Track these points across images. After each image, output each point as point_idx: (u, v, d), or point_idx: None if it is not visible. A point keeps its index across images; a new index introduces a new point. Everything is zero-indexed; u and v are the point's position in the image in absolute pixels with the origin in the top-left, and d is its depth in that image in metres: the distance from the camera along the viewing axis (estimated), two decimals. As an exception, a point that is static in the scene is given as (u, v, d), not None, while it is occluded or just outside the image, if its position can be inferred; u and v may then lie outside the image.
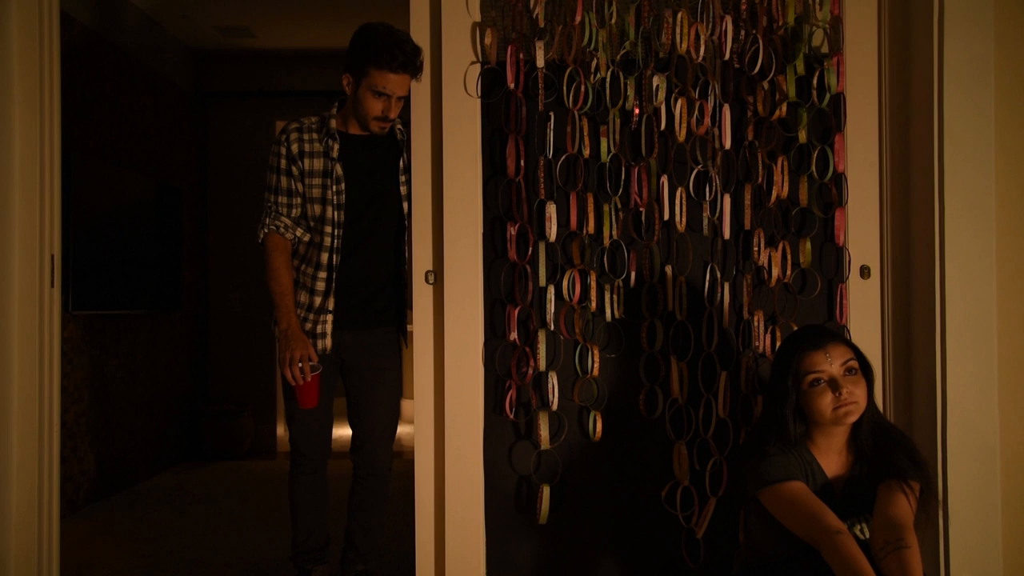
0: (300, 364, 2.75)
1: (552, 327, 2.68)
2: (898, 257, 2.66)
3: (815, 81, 2.65)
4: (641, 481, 2.69)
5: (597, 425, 2.67)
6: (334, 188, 2.76)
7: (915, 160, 2.62)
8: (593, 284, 2.65)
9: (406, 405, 8.00)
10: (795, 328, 2.63)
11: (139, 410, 5.51)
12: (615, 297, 2.66)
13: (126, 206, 5.31)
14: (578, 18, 2.64)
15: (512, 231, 2.66)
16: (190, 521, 4.52)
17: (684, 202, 2.67)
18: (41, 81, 2.79)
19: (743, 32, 2.66)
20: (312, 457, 2.94)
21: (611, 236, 2.66)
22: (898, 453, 2.14)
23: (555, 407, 2.67)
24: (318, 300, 2.81)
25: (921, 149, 2.59)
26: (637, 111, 2.67)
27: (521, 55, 2.67)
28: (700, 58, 2.64)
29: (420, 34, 2.75)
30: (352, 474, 2.99)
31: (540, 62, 2.65)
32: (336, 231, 2.78)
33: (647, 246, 2.67)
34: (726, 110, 2.64)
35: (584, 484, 2.71)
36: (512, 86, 2.66)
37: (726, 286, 2.66)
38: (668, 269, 2.67)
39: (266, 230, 2.80)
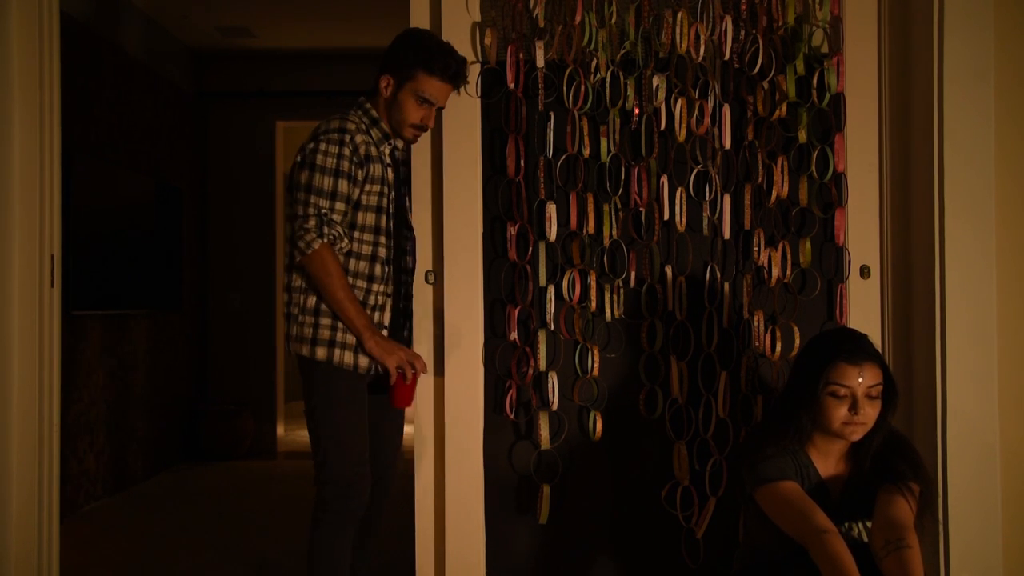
0: (416, 359, 2.44)
1: (552, 327, 2.68)
2: (898, 257, 2.66)
3: (815, 81, 2.65)
4: (641, 481, 2.69)
5: (597, 425, 2.67)
6: (389, 196, 2.51)
7: (915, 160, 2.62)
8: (593, 284, 2.65)
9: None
10: (795, 327, 2.63)
11: (139, 410, 5.51)
12: (615, 297, 2.66)
13: (126, 206, 5.31)
14: (578, 18, 2.64)
15: (512, 231, 2.66)
16: (190, 521, 4.52)
17: (684, 202, 2.67)
18: (41, 81, 2.79)
19: (743, 32, 2.66)
20: (359, 496, 2.43)
21: (611, 236, 2.66)
22: (898, 459, 2.14)
23: (555, 407, 2.67)
24: (375, 316, 2.47)
25: (921, 149, 2.59)
26: (637, 111, 2.67)
27: (521, 55, 2.67)
28: (700, 58, 2.64)
29: (420, 34, 2.75)
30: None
31: (540, 62, 2.65)
32: (389, 242, 2.51)
33: (647, 246, 2.67)
34: (726, 110, 2.64)
35: (584, 484, 2.71)
36: (512, 86, 2.66)
37: (726, 286, 2.66)
38: (668, 269, 2.67)
39: (323, 240, 2.37)
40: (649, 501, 2.67)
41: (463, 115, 2.70)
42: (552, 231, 2.66)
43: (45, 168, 2.81)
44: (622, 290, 2.67)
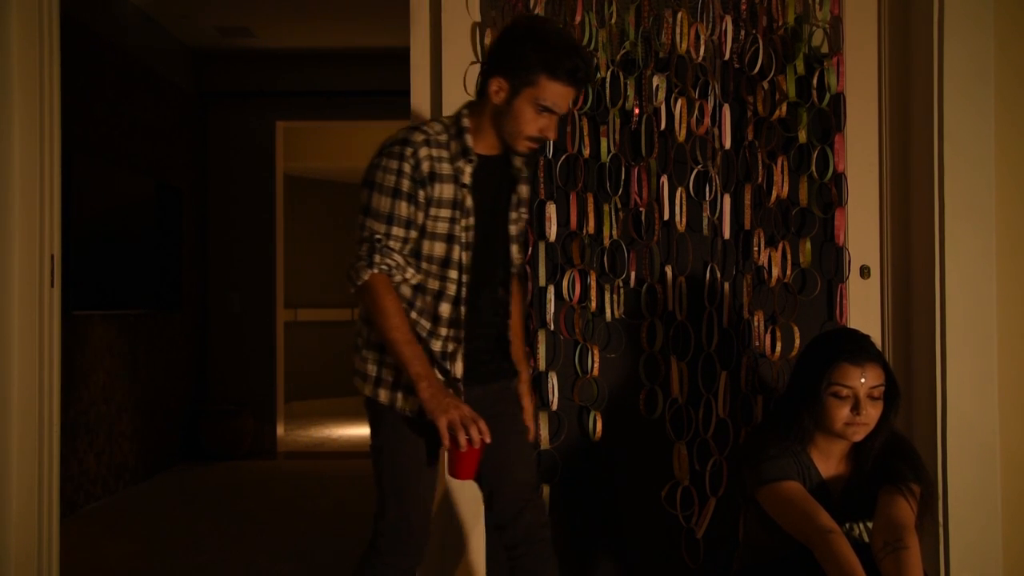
0: (473, 424, 2.02)
1: (552, 327, 2.68)
2: (898, 257, 2.66)
3: (815, 81, 2.65)
4: (641, 481, 2.69)
5: (597, 425, 2.67)
6: (463, 223, 2.12)
7: (915, 160, 2.62)
8: (593, 284, 2.65)
9: (406, 405, 8.00)
10: (795, 327, 2.63)
11: (139, 410, 5.51)
12: (615, 297, 2.66)
13: (126, 206, 5.31)
14: (578, 18, 2.64)
15: (512, 231, 2.65)
16: (190, 521, 4.52)
17: (684, 202, 2.67)
18: (41, 81, 2.79)
19: (743, 32, 2.66)
20: (416, 552, 2.19)
21: (611, 236, 2.66)
22: (899, 460, 2.14)
23: (555, 407, 2.67)
24: (446, 366, 2.16)
25: (921, 149, 2.59)
26: (637, 111, 2.67)
27: (521, 55, 2.67)
28: (700, 58, 2.64)
29: (420, 34, 2.75)
30: (508, 551, 2.24)
31: (540, 62, 2.64)
32: (463, 277, 2.13)
33: (647, 246, 2.67)
34: (726, 110, 2.64)
35: (584, 484, 2.71)
36: (512, 86, 2.66)
37: (726, 286, 2.66)
38: (668, 269, 2.67)
39: (374, 270, 2.06)
40: (649, 501, 2.67)
41: (463, 115, 2.69)
42: (552, 231, 2.66)
43: (45, 168, 2.81)
44: (622, 290, 2.67)
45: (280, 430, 6.73)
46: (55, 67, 2.84)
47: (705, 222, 2.67)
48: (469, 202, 2.12)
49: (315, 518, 4.54)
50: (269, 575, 3.60)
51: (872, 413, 2.10)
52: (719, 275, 2.67)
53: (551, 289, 2.67)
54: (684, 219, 2.66)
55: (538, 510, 2.25)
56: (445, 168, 2.10)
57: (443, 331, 2.14)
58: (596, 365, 2.65)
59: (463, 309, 2.14)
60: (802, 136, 2.66)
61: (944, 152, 2.51)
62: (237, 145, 6.62)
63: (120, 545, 4.08)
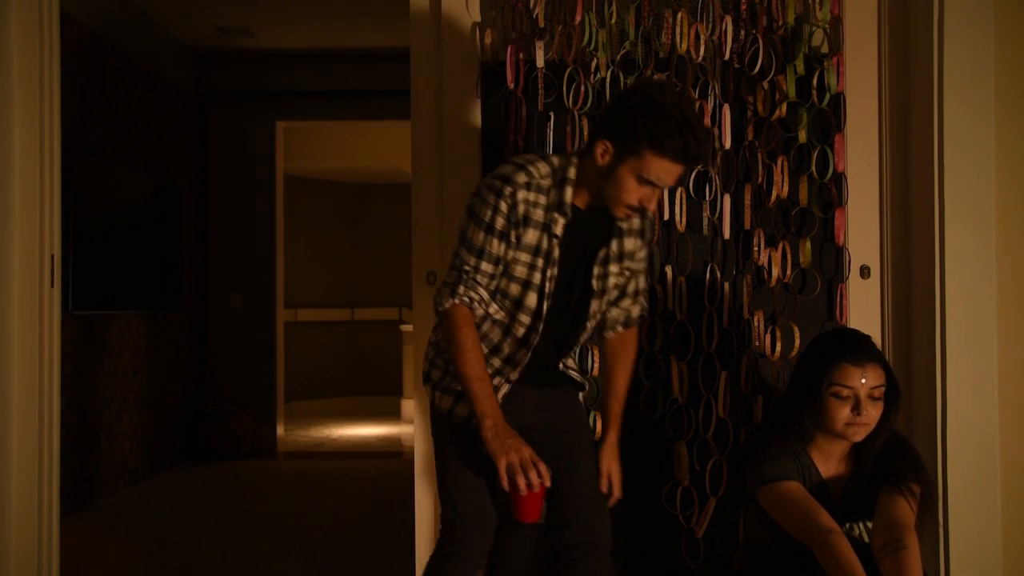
0: (534, 467, 1.99)
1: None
2: (898, 257, 2.67)
3: (815, 81, 2.65)
4: (641, 481, 2.69)
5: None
6: (547, 273, 2.10)
7: (915, 160, 2.62)
8: (593, 284, 2.65)
9: (406, 405, 8.02)
10: (795, 327, 2.63)
11: (139, 410, 5.51)
12: (615, 297, 2.66)
13: (126, 206, 5.31)
14: (578, 18, 2.64)
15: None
16: (190, 521, 4.52)
17: (684, 202, 2.67)
18: (41, 81, 2.79)
19: (743, 32, 2.66)
20: (472, 543, 2.20)
21: (611, 236, 2.66)
22: (899, 460, 2.14)
23: None
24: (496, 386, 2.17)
25: (921, 149, 2.59)
26: (637, 111, 2.66)
27: (521, 55, 2.67)
28: (700, 58, 2.64)
29: (420, 34, 2.75)
30: (565, 551, 2.16)
31: (540, 62, 2.65)
32: (536, 323, 2.13)
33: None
34: (726, 110, 2.64)
35: (584, 484, 2.71)
36: (512, 86, 2.66)
37: (726, 286, 2.66)
38: (668, 269, 2.67)
39: (456, 300, 2.07)
40: (649, 501, 2.67)
41: (463, 115, 2.69)
42: (552, 231, 2.65)
43: (45, 168, 2.81)
44: (622, 290, 2.67)
45: (280, 430, 6.73)
46: (55, 67, 2.84)
47: (705, 222, 2.67)
48: (556, 253, 2.11)
49: (315, 518, 4.54)
50: (269, 575, 3.60)
51: (872, 413, 2.10)
52: (719, 275, 2.67)
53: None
54: (684, 219, 2.66)
55: (593, 516, 2.16)
56: (539, 215, 2.08)
57: (496, 362, 2.15)
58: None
59: (524, 352, 2.14)
60: (802, 136, 2.66)
61: (944, 152, 2.51)
62: (237, 145, 6.63)
63: (120, 545, 4.08)
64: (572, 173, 2.09)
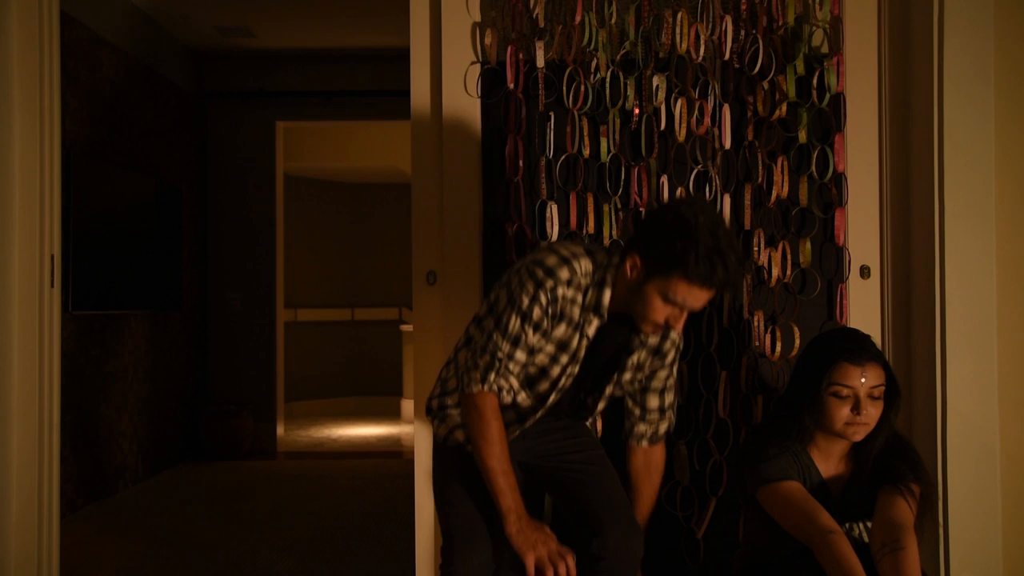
0: (561, 560, 2.00)
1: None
2: (898, 257, 2.66)
3: (815, 81, 2.65)
4: (641, 481, 2.69)
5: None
6: (567, 370, 2.12)
7: (915, 160, 2.62)
8: (593, 284, 2.65)
9: (406, 405, 8.02)
10: (795, 327, 2.63)
11: (139, 410, 5.51)
12: (615, 297, 2.66)
13: (126, 206, 5.31)
14: (578, 18, 2.64)
15: (510, 231, 2.66)
16: (190, 521, 4.52)
17: (684, 202, 2.66)
18: (41, 81, 2.79)
19: (743, 32, 2.66)
20: (464, 560, 2.17)
21: (611, 236, 2.66)
22: (899, 460, 2.14)
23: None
24: None
25: (921, 149, 2.59)
26: (637, 111, 2.67)
27: (521, 55, 2.67)
28: (700, 58, 2.64)
29: (420, 34, 2.75)
30: (592, 562, 2.09)
31: (540, 62, 2.65)
32: (540, 409, 2.16)
33: (647, 246, 2.67)
34: (726, 110, 2.64)
35: (584, 484, 2.71)
36: (512, 86, 2.66)
37: (726, 286, 2.66)
38: (668, 269, 2.66)
39: (486, 388, 2.05)
40: (649, 501, 2.67)
41: (463, 115, 2.70)
42: (553, 231, 2.65)
43: (45, 168, 2.81)
44: (622, 290, 2.67)
45: (280, 430, 6.73)
46: (55, 67, 2.84)
47: (705, 222, 2.67)
48: (582, 353, 2.11)
49: (315, 518, 4.54)
50: (269, 575, 3.60)
51: (872, 413, 2.10)
52: (719, 275, 2.66)
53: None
54: (684, 219, 2.66)
55: (623, 527, 2.12)
56: (574, 312, 2.07)
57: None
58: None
59: (517, 428, 2.16)
60: (802, 136, 2.66)
61: (944, 152, 2.51)
62: (237, 145, 6.63)
63: (120, 545, 4.08)
64: (611, 275, 2.07)
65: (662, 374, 2.24)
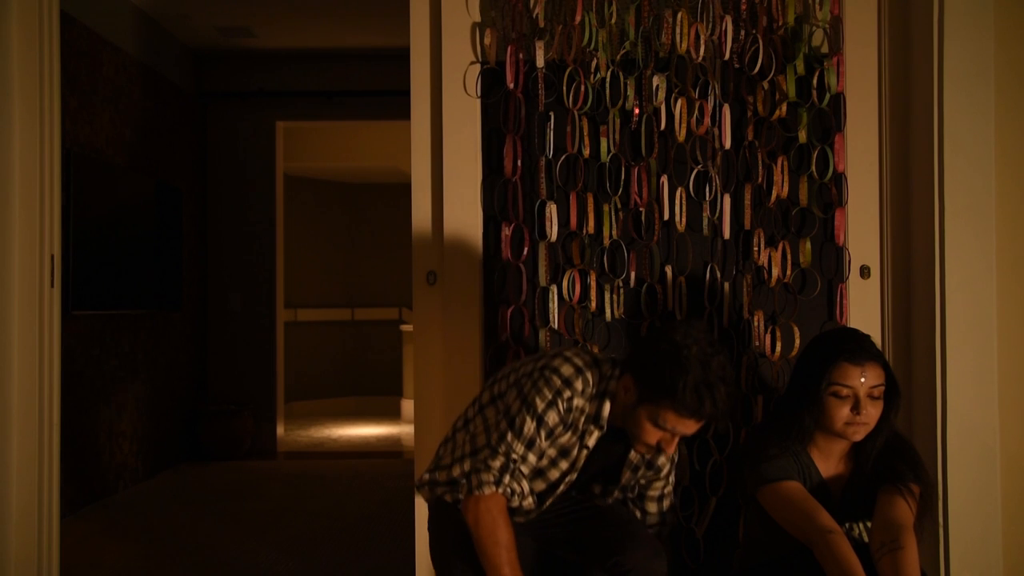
0: None
1: (552, 327, 2.67)
2: (898, 257, 2.67)
3: (815, 81, 2.65)
4: (641, 481, 2.69)
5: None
6: (566, 477, 2.15)
7: (915, 160, 2.62)
8: (593, 284, 2.65)
9: (406, 405, 8.02)
10: (795, 327, 2.63)
11: (139, 410, 5.51)
12: (615, 297, 2.66)
13: (126, 206, 5.31)
14: (578, 18, 2.64)
15: (507, 231, 2.66)
16: (190, 521, 4.52)
17: (684, 202, 2.67)
18: (41, 81, 2.79)
19: (743, 32, 2.66)
20: None
21: (611, 236, 2.66)
22: (899, 460, 2.14)
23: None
24: None
25: (921, 149, 2.59)
26: (637, 111, 2.67)
27: (521, 55, 2.67)
28: (700, 58, 2.64)
29: (420, 34, 2.75)
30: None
31: (540, 62, 2.65)
32: (536, 510, 2.18)
33: (647, 246, 2.67)
34: (726, 110, 2.64)
35: (584, 484, 2.71)
36: (512, 86, 2.66)
37: (726, 286, 2.66)
38: (668, 269, 2.67)
39: (500, 490, 2.03)
40: (649, 501, 2.67)
41: (463, 115, 2.69)
42: (552, 231, 2.66)
43: (45, 168, 2.81)
44: (622, 290, 2.67)
45: (280, 430, 6.73)
46: (55, 67, 2.84)
47: (705, 222, 2.67)
48: (582, 461, 2.13)
49: (315, 518, 4.54)
50: (269, 575, 3.60)
51: (872, 413, 2.10)
52: (719, 275, 2.67)
53: (552, 289, 2.67)
54: (684, 219, 2.66)
55: (654, 544, 2.15)
56: (580, 422, 2.10)
57: None
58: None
59: (528, 516, 2.18)
60: (802, 136, 2.66)
61: (944, 152, 2.51)
62: (237, 145, 6.62)
63: (120, 545, 4.08)
64: (613, 383, 2.09)
65: (658, 484, 2.26)
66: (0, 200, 2.70)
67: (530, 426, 2.04)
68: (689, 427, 2.00)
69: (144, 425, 5.58)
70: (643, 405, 2.01)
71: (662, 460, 2.22)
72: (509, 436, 2.05)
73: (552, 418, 2.05)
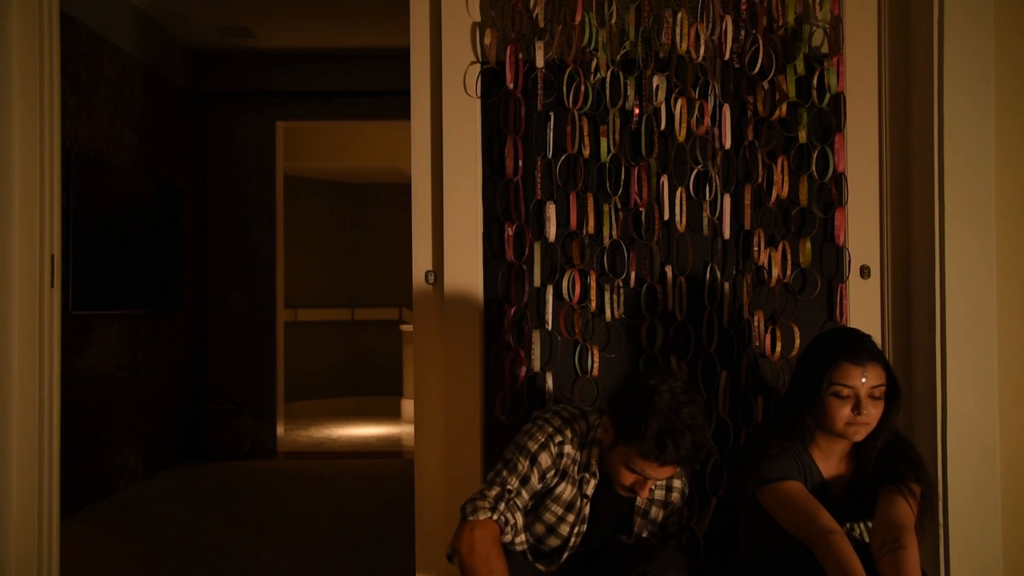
0: None
1: (551, 327, 2.68)
2: (898, 257, 2.67)
3: (815, 81, 2.65)
4: (641, 481, 2.69)
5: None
6: (575, 529, 2.19)
7: (915, 160, 2.62)
8: (593, 284, 2.65)
9: (406, 405, 8.02)
10: (795, 327, 2.63)
11: (139, 410, 5.51)
12: (615, 297, 2.66)
13: (126, 206, 5.31)
14: (578, 18, 2.64)
15: (509, 231, 2.66)
16: (190, 521, 4.52)
17: (684, 202, 2.67)
18: (41, 81, 2.79)
19: (743, 32, 2.66)
20: None
21: (611, 236, 2.66)
22: (900, 460, 2.14)
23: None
24: None
25: (921, 149, 2.59)
26: (637, 111, 2.67)
27: (521, 55, 2.67)
28: (700, 58, 2.64)
29: (420, 34, 2.75)
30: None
31: (540, 62, 2.65)
32: (551, 567, 2.23)
33: (647, 246, 2.67)
34: (726, 110, 2.64)
35: (584, 484, 2.71)
36: (512, 86, 2.66)
37: (726, 286, 2.66)
38: (668, 269, 2.67)
39: (494, 516, 2.08)
40: (649, 501, 2.67)
41: (463, 115, 2.69)
42: (552, 231, 2.66)
43: (45, 168, 2.81)
44: (622, 290, 2.67)
45: (280, 430, 6.73)
46: (55, 67, 2.84)
47: (705, 222, 2.67)
48: (587, 511, 2.19)
49: (315, 518, 4.54)
50: (269, 575, 3.60)
51: (873, 413, 2.10)
52: (719, 275, 2.67)
53: (551, 289, 2.67)
54: (684, 219, 2.66)
55: (674, 555, 2.19)
56: (575, 471, 2.17)
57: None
58: (596, 365, 2.65)
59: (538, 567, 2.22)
60: (802, 136, 2.66)
61: (944, 152, 2.51)
62: (237, 145, 6.63)
63: (120, 545, 4.08)
64: (599, 431, 2.16)
65: (673, 519, 2.31)
66: (0, 200, 2.69)
67: (524, 464, 2.13)
68: (656, 471, 2.05)
69: (144, 425, 5.58)
70: (617, 447, 2.09)
71: (675, 495, 2.27)
72: (504, 472, 2.14)
73: (544, 460, 2.13)
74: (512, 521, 2.12)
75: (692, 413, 2.02)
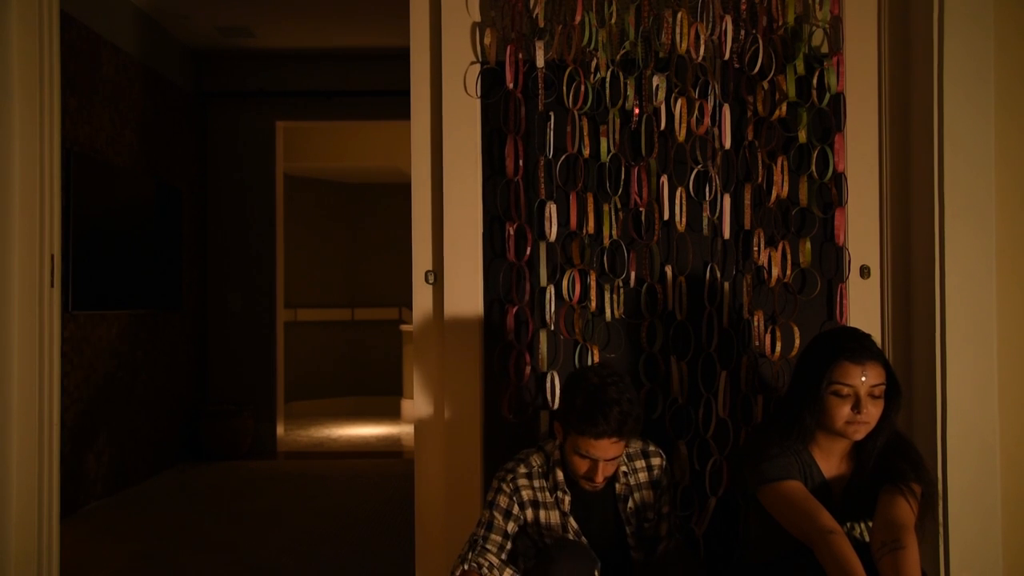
0: None
1: (552, 327, 2.68)
2: (898, 257, 2.67)
3: (815, 81, 2.65)
4: (641, 481, 2.69)
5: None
6: (579, 539, 2.34)
7: (915, 160, 2.62)
8: (593, 284, 2.65)
9: (406, 405, 8.02)
10: (795, 327, 2.63)
11: (139, 410, 5.51)
12: (615, 297, 2.66)
13: (126, 206, 5.31)
14: (578, 18, 2.64)
15: (510, 231, 2.66)
16: (190, 521, 4.52)
17: (684, 202, 2.67)
18: (41, 81, 2.79)
19: (743, 32, 2.66)
20: None
21: (611, 236, 2.66)
22: (900, 459, 2.14)
23: (555, 407, 2.66)
24: None
25: (921, 149, 2.59)
26: (637, 111, 2.67)
27: (521, 55, 2.67)
28: (700, 58, 2.64)
29: (420, 34, 2.75)
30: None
31: (540, 62, 2.65)
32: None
33: (647, 246, 2.67)
34: (726, 110, 2.64)
35: (584, 484, 2.71)
36: (511, 86, 2.66)
37: (726, 286, 2.66)
38: (668, 269, 2.67)
39: (465, 566, 2.29)
40: (649, 501, 2.67)
41: (463, 115, 2.69)
42: (552, 231, 2.66)
43: (45, 168, 2.81)
44: (622, 290, 2.67)
45: (280, 430, 6.74)
46: (55, 67, 2.84)
47: (705, 222, 2.67)
48: (575, 525, 2.33)
49: (315, 518, 4.54)
50: (269, 575, 3.60)
51: (873, 412, 2.10)
52: (719, 275, 2.67)
53: (551, 289, 2.67)
54: (684, 219, 2.66)
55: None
56: (548, 498, 2.33)
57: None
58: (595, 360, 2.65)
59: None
60: (802, 136, 2.66)
61: (944, 152, 2.51)
62: (237, 145, 6.63)
63: (120, 545, 4.08)
64: (556, 454, 2.34)
65: (663, 525, 2.41)
66: (0, 200, 2.69)
67: (487, 513, 2.34)
68: (597, 447, 2.19)
69: (144, 425, 5.58)
70: (567, 440, 2.25)
71: (656, 472, 2.39)
72: (475, 528, 2.35)
73: (502, 500, 2.32)
74: (486, 562, 2.30)
75: (619, 390, 2.20)
